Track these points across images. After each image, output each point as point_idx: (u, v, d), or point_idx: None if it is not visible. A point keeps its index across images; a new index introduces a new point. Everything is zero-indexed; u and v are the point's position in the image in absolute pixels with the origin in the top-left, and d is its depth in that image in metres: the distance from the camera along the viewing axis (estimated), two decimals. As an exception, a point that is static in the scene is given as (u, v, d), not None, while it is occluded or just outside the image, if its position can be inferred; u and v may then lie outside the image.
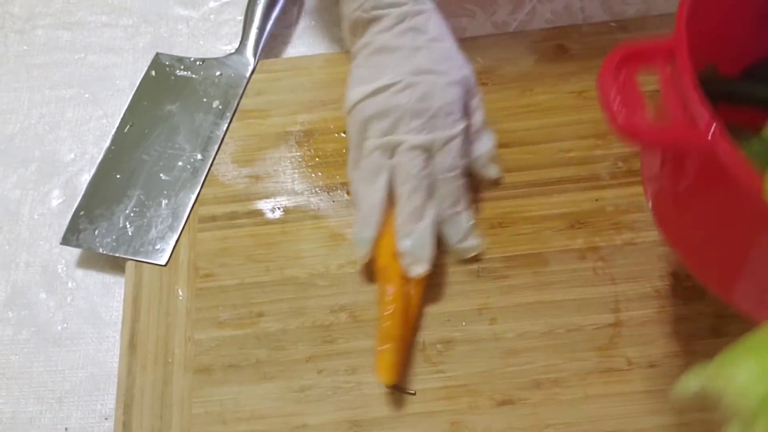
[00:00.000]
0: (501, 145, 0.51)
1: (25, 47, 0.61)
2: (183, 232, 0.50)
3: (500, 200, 0.49)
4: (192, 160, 0.53)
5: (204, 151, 0.53)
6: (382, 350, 0.43)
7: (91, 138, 0.56)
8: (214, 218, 0.50)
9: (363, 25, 0.49)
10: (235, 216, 0.50)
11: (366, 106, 0.47)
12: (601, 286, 0.46)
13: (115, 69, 0.60)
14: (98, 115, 0.57)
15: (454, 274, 0.47)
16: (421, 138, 0.45)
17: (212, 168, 0.52)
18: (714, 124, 0.28)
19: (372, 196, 0.46)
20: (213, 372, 0.45)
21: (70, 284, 0.50)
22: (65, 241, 0.50)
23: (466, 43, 0.56)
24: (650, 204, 0.39)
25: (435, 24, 0.49)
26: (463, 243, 0.46)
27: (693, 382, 0.23)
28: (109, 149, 0.54)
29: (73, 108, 0.58)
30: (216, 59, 0.57)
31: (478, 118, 0.49)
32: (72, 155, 0.56)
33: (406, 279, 0.45)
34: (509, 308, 0.46)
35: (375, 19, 0.49)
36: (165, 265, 0.49)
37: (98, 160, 0.53)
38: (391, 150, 0.46)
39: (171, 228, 0.50)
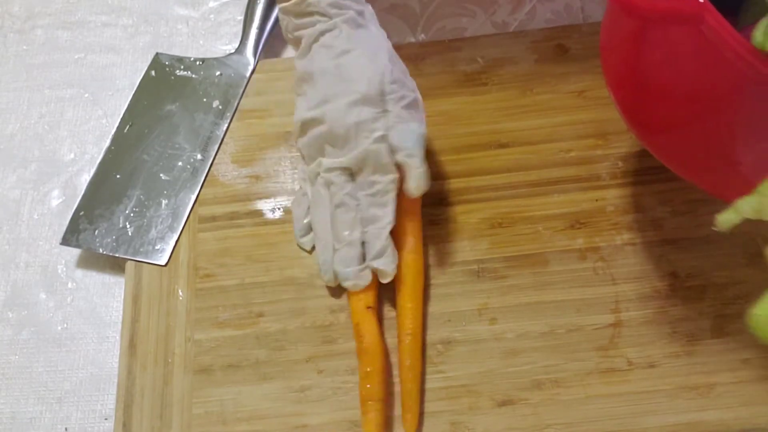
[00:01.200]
0: (501, 146, 0.51)
1: (25, 47, 0.61)
2: (183, 232, 0.50)
3: (500, 200, 0.49)
4: (192, 160, 0.53)
5: (204, 151, 0.53)
6: (365, 412, 0.42)
7: (91, 138, 0.56)
8: (214, 218, 0.50)
9: (293, 44, 0.49)
10: (235, 216, 0.50)
11: (299, 140, 0.48)
12: (601, 286, 0.46)
13: (114, 69, 0.59)
14: (98, 114, 0.57)
15: (454, 274, 0.47)
16: (336, 161, 0.45)
17: (212, 168, 0.52)
18: None
19: (322, 219, 0.46)
20: (213, 372, 0.45)
21: (70, 284, 0.50)
22: (65, 241, 0.50)
23: (467, 42, 0.56)
24: (614, 93, 0.40)
25: (345, 36, 0.46)
26: (376, 261, 0.44)
27: (743, 208, 0.25)
28: (108, 149, 0.53)
29: (72, 108, 0.58)
30: (216, 59, 0.57)
31: (396, 109, 0.45)
32: (72, 155, 0.56)
33: (382, 335, 0.45)
34: (509, 308, 0.46)
35: (297, 41, 0.48)
36: (165, 266, 0.49)
37: (98, 160, 0.53)
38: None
39: (171, 228, 0.50)
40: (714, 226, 0.26)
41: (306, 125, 0.47)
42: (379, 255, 0.44)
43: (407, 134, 0.45)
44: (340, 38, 0.46)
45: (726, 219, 0.26)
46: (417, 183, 0.44)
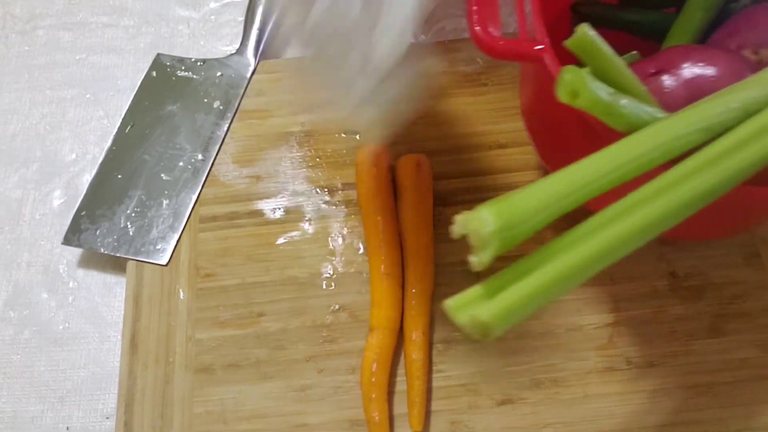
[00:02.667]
0: (500, 146, 0.51)
1: (27, 48, 0.61)
2: (184, 232, 0.50)
3: (500, 200, 0.50)
4: (193, 160, 0.53)
5: (205, 151, 0.53)
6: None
7: (93, 138, 0.56)
8: (214, 218, 0.51)
9: None
10: (236, 216, 0.51)
11: None
12: (600, 286, 0.46)
13: (116, 69, 0.60)
14: (99, 115, 0.58)
15: (454, 274, 0.47)
16: None
17: (213, 168, 0.53)
18: (545, 38, 0.36)
19: None
20: (214, 371, 0.45)
21: (71, 284, 0.51)
22: (67, 241, 0.50)
23: (466, 43, 0.56)
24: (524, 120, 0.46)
25: None
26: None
27: (458, 224, 0.29)
28: (110, 149, 0.54)
29: (74, 108, 0.58)
30: (217, 60, 0.57)
31: None
32: (73, 155, 0.56)
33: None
34: (509, 308, 0.46)
35: None
36: (166, 265, 0.49)
37: (99, 161, 0.53)
38: None
39: (172, 228, 0.50)
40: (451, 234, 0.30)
41: None
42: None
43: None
44: None
45: (454, 231, 0.30)
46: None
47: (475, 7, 0.36)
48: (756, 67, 0.38)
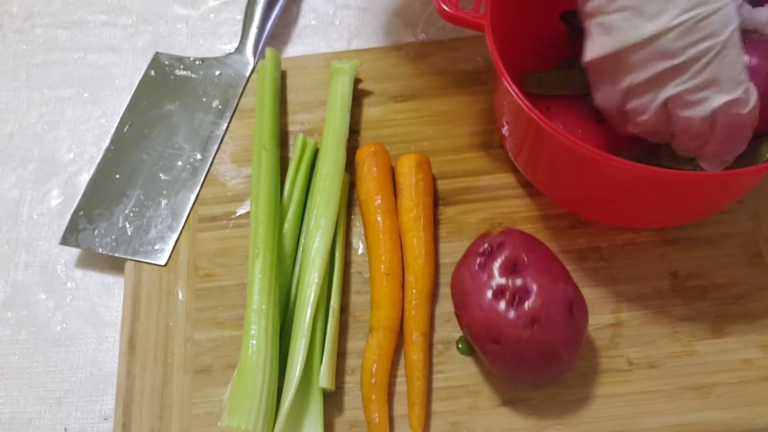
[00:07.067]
0: (500, 145, 0.51)
1: (24, 46, 0.61)
2: (182, 232, 0.50)
3: (500, 200, 0.49)
4: (191, 159, 0.53)
5: (203, 150, 0.53)
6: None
7: (91, 137, 0.56)
8: (213, 218, 0.50)
9: None
10: (235, 216, 0.50)
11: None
12: (602, 286, 0.46)
13: (114, 68, 0.59)
14: (97, 114, 0.57)
15: (455, 274, 0.47)
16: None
17: (212, 168, 0.52)
18: (488, 13, 0.43)
19: None
20: (213, 372, 0.45)
21: (69, 284, 0.50)
22: (64, 241, 0.50)
23: (467, 42, 0.56)
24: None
25: None
26: None
27: None
28: (108, 149, 0.53)
29: (72, 107, 0.58)
30: (215, 59, 0.57)
31: None
32: (71, 155, 0.56)
33: None
34: (510, 308, 0.46)
35: None
36: (164, 265, 0.49)
37: (97, 160, 0.53)
38: None
39: (170, 228, 0.50)
40: None
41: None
42: None
43: None
44: None
45: None
46: None
47: None
48: None
